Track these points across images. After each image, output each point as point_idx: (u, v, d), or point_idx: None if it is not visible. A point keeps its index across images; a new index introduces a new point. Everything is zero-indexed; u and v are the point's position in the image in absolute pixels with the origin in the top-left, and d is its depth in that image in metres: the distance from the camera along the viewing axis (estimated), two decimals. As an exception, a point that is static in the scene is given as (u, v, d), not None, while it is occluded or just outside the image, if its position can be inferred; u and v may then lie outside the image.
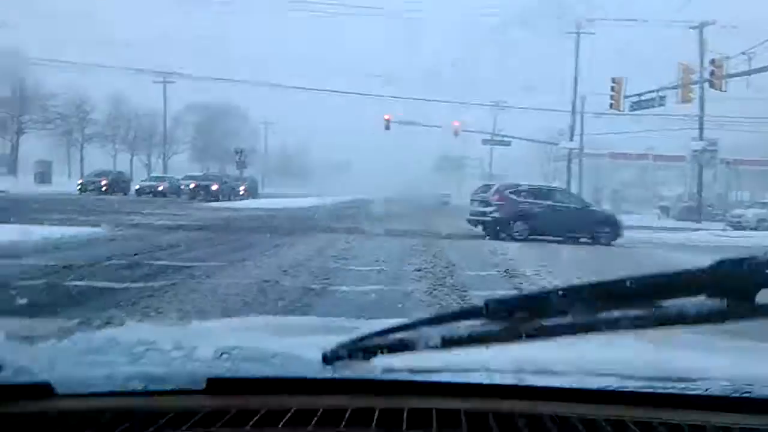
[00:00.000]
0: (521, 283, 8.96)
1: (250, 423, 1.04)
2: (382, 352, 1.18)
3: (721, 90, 26.77)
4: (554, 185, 24.38)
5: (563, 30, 39.82)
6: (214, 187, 40.27)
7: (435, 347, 1.14)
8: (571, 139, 41.04)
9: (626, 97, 31.20)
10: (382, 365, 1.22)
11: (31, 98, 52.67)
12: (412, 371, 1.23)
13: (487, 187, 20.15)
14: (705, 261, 1.00)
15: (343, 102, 76.94)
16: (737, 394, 1.18)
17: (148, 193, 38.92)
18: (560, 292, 1.08)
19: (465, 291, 7.87)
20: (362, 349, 1.19)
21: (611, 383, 1.21)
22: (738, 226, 29.26)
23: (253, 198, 42.89)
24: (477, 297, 7.32)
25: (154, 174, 53.73)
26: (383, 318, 1.67)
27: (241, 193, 42.95)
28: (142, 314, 5.66)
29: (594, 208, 20.65)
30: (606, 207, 29.46)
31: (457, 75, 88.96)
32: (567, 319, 1.08)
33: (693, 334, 1.49)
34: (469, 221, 19.65)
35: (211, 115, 65.93)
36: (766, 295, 0.99)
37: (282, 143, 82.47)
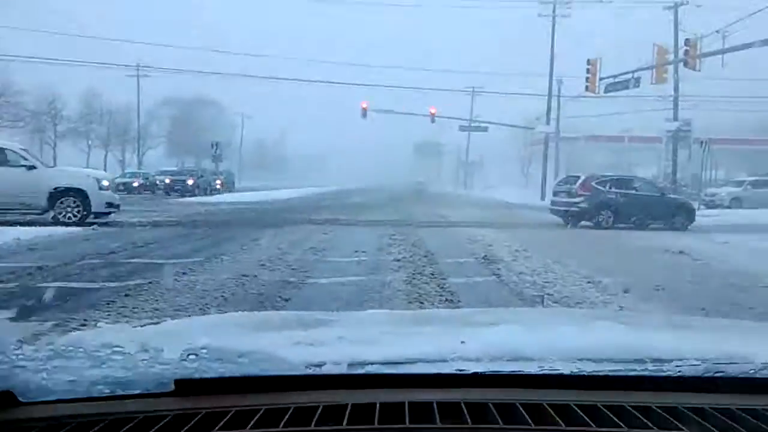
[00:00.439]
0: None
1: (219, 425, 1.02)
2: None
3: (695, 69, 27.04)
4: (634, 175, 24.89)
5: (540, 13, 39.97)
6: (190, 182, 40.04)
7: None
8: (548, 123, 41.33)
9: (601, 79, 31.43)
10: (354, 358, 1.21)
11: (-1, 96, 51.76)
12: (384, 363, 1.23)
13: (571, 179, 20.62)
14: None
15: (319, 93, 76.77)
16: (709, 374, 1.19)
17: (123, 190, 38.49)
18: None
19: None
20: None
21: (586, 367, 1.21)
22: (711, 204, 29.77)
23: (230, 192, 42.78)
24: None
25: (128, 170, 53.19)
26: (359, 309, 1.65)
27: (217, 187, 42.77)
28: (117, 314, 5.58)
29: (671, 196, 21.43)
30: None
31: (434, 61, 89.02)
32: None
33: (668, 314, 1.49)
34: (552, 211, 20.29)
35: (186, 108, 65.47)
36: None
37: (258, 136, 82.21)
